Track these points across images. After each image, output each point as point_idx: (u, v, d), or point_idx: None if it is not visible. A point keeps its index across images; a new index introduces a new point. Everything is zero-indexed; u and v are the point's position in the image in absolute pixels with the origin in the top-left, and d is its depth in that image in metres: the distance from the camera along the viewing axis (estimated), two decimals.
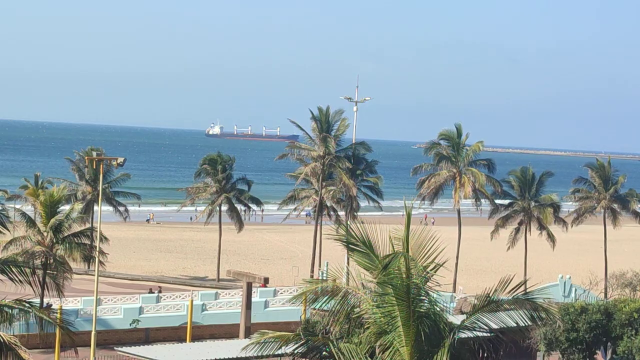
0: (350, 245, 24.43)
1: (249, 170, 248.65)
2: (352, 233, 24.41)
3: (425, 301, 24.00)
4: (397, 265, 23.49)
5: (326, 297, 24.87)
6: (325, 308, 25.58)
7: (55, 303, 57.50)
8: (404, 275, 23.39)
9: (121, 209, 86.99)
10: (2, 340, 24.75)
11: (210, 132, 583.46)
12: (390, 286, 23.48)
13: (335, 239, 24.57)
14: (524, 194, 79.51)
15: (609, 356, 48.30)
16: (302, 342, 24.63)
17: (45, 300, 55.14)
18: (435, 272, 24.23)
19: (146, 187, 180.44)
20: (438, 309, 24.39)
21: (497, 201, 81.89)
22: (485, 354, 25.46)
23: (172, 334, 61.10)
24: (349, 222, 25.05)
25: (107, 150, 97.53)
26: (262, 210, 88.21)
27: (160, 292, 68.86)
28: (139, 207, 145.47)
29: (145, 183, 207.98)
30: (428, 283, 24.18)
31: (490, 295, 24.46)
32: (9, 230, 28.60)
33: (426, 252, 24.10)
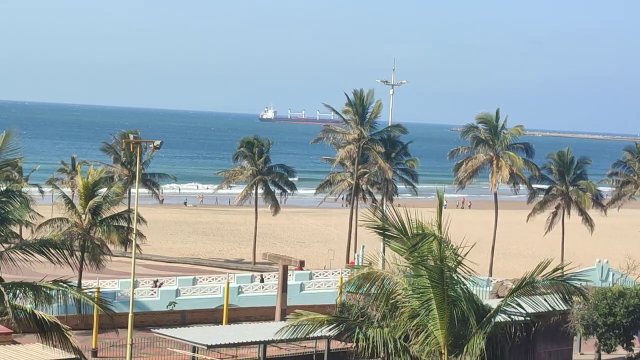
0: (382, 231, 24.31)
1: (297, 154, 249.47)
2: (385, 218, 24.29)
3: (460, 284, 23.89)
4: (429, 248, 23.41)
5: (368, 284, 24.83)
6: (361, 292, 25.57)
7: (102, 285, 58.06)
8: (437, 259, 23.31)
9: (157, 190, 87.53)
10: (45, 320, 25.02)
11: (264, 117, 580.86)
12: (424, 269, 23.41)
13: (368, 226, 24.47)
14: (563, 178, 78.83)
15: None
16: (336, 324, 24.63)
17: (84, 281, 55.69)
18: (466, 254, 24.08)
19: (194, 175, 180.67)
20: (473, 293, 24.29)
21: (536, 185, 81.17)
22: (522, 338, 25.33)
23: (209, 316, 61.36)
24: (379, 208, 24.78)
25: (156, 134, 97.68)
26: (286, 195, 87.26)
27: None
28: (179, 190, 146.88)
29: (192, 168, 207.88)
30: (463, 267, 24.06)
31: (528, 278, 24.31)
32: (40, 215, 28.89)
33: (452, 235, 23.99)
